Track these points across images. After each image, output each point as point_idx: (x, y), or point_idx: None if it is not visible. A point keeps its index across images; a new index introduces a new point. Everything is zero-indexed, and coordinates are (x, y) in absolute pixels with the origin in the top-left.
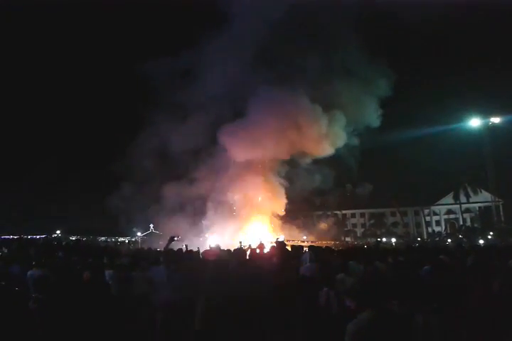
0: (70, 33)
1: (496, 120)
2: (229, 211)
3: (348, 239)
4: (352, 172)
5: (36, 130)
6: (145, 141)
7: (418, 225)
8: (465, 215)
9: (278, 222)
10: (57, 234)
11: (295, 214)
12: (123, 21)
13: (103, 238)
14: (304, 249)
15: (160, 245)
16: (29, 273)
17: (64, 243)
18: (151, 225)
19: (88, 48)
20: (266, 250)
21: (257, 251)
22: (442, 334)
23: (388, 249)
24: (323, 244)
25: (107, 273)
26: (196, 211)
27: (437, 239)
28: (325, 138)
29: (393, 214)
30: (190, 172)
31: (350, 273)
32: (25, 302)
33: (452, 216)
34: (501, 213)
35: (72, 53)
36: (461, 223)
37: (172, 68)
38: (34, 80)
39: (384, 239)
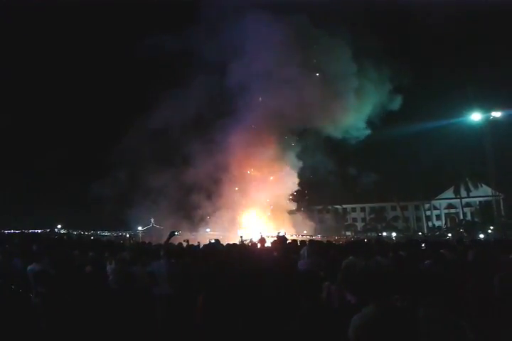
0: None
1: (497, 114)
2: (230, 204)
3: (348, 233)
4: (355, 158)
5: (34, 122)
6: (144, 128)
7: (418, 219)
8: (465, 209)
9: (280, 216)
10: (58, 229)
11: (296, 208)
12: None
13: (104, 232)
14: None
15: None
16: (29, 267)
17: (65, 237)
18: (152, 219)
19: (75, 23)
20: (267, 244)
21: (258, 245)
22: (444, 328)
23: (389, 243)
24: (324, 238)
25: (109, 267)
26: (197, 205)
27: (437, 233)
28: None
29: (393, 209)
30: (189, 159)
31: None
32: (28, 297)
33: (453, 210)
34: (502, 207)
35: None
36: (462, 217)
37: (170, 43)
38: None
39: (384, 234)
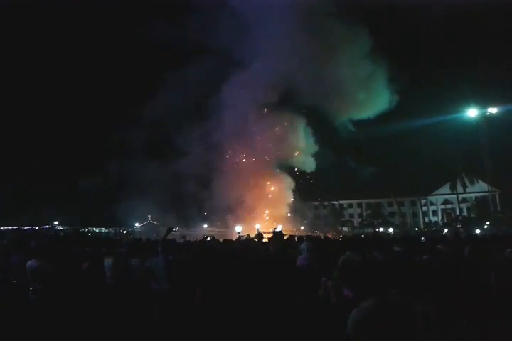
0: None
1: (493, 110)
2: (228, 200)
3: (345, 229)
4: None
5: (30, 119)
6: (139, 124)
7: (415, 215)
8: (462, 205)
9: (277, 212)
10: (55, 225)
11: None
12: None
13: (101, 229)
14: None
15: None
16: (28, 263)
17: (62, 234)
18: (149, 216)
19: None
20: (264, 240)
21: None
22: (440, 323)
23: (386, 238)
24: (320, 234)
25: (106, 261)
26: (194, 201)
27: (434, 228)
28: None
29: (390, 205)
30: (186, 154)
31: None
32: (25, 293)
33: (449, 206)
34: (497, 203)
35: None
36: (458, 213)
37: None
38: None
39: (381, 229)
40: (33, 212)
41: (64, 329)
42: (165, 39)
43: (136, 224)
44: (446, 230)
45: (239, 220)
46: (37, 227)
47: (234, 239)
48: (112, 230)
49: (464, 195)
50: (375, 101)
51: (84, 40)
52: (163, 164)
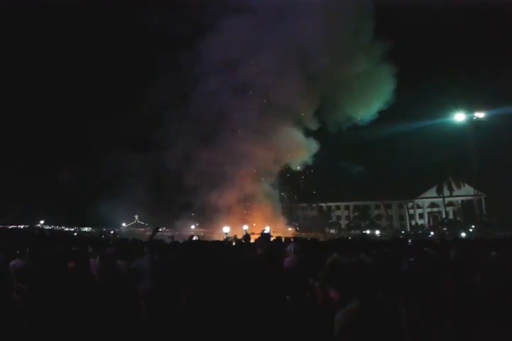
0: None
1: (480, 115)
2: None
3: (332, 231)
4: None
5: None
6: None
7: (402, 218)
8: (448, 208)
9: (265, 214)
10: (41, 225)
11: (282, 205)
12: None
13: (89, 229)
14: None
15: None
16: (12, 263)
17: (48, 233)
18: (136, 216)
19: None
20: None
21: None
22: (426, 326)
23: (373, 241)
24: (309, 235)
25: (92, 261)
26: (182, 201)
27: (420, 231)
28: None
29: (377, 207)
30: (176, 154)
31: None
32: (9, 293)
33: (435, 209)
34: (483, 207)
35: None
36: (444, 216)
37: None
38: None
39: (368, 232)
40: (19, 211)
41: (49, 330)
42: (158, 25)
43: (123, 224)
44: (432, 233)
45: (227, 221)
46: (22, 226)
47: (221, 239)
48: (98, 230)
49: (451, 199)
50: (373, 100)
51: (64, 32)
52: (149, 164)
